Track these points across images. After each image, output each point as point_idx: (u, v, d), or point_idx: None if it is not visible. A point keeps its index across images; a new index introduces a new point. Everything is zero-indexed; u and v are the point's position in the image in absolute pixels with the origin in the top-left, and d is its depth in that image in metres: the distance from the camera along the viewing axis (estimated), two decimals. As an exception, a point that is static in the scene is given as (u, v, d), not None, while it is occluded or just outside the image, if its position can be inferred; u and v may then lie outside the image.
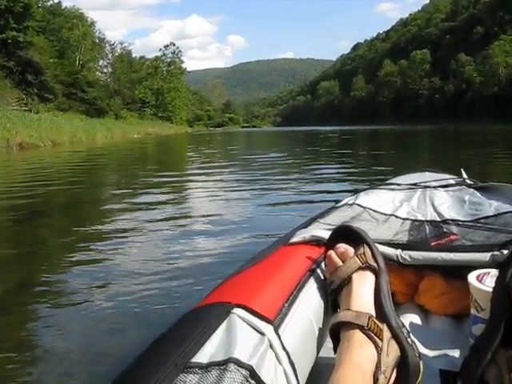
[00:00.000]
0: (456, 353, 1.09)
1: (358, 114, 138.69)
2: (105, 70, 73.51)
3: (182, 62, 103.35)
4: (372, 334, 0.85)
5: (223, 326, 0.78)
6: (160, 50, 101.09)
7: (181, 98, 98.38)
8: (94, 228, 5.01)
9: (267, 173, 9.79)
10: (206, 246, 3.99)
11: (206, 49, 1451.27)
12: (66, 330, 2.46)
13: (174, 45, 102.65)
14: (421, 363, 0.90)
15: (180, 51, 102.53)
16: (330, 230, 1.22)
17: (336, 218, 1.55)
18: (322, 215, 1.61)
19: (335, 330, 0.91)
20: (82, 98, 52.82)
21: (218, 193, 7.18)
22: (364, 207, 1.73)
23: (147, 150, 24.43)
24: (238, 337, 0.75)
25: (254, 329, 0.80)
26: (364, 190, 2.11)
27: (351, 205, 1.78)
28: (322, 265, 1.12)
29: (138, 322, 2.49)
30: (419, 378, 0.89)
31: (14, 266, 3.82)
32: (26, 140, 22.95)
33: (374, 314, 0.91)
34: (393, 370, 0.86)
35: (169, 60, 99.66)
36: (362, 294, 0.95)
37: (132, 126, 59.51)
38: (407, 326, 0.95)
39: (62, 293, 3.04)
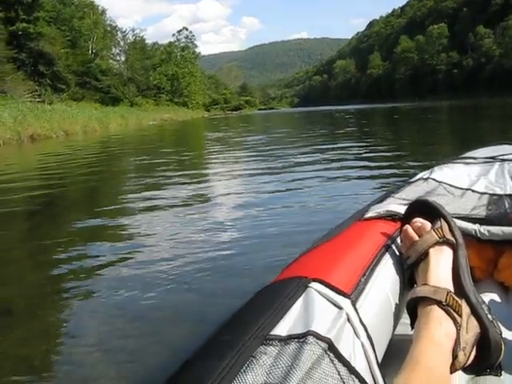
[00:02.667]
0: None
1: (375, 91, 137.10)
2: (118, 58, 73.46)
3: (196, 46, 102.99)
4: (451, 310, 0.85)
5: (301, 300, 0.79)
6: (173, 35, 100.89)
7: (196, 83, 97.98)
8: (118, 210, 5.12)
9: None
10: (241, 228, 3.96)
11: (221, 32, 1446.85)
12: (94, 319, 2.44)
13: (186, 29, 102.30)
14: (502, 341, 0.88)
15: (193, 36, 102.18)
16: (404, 204, 1.22)
17: (411, 193, 1.52)
18: (397, 190, 1.58)
19: (412, 306, 0.91)
20: (96, 87, 52.96)
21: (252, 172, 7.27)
22: (439, 182, 1.70)
23: (161, 137, 24.31)
24: (315, 310, 0.76)
25: (332, 303, 0.81)
26: (438, 164, 2.03)
27: (426, 179, 1.74)
28: (398, 240, 1.12)
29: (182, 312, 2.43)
30: (501, 357, 0.88)
31: (37, 251, 3.89)
32: (38, 132, 22.93)
33: (452, 290, 0.90)
34: (472, 347, 0.85)
35: (182, 45, 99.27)
36: (440, 269, 0.95)
37: (147, 112, 59.37)
38: (486, 303, 0.95)
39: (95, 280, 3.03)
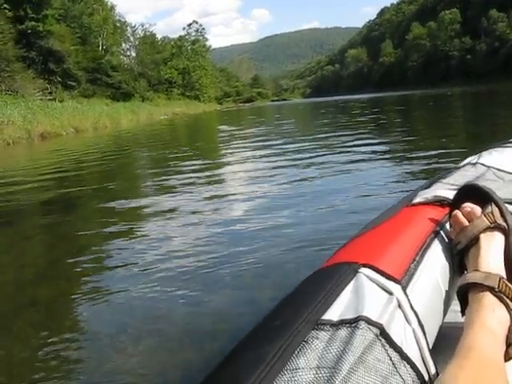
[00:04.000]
0: None
1: (387, 80, 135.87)
2: (128, 54, 73.55)
3: (206, 39, 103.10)
4: (504, 297, 0.82)
5: (351, 285, 0.79)
6: (183, 28, 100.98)
7: (207, 76, 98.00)
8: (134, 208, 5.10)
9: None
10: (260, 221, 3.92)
11: (231, 25, 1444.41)
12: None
13: (196, 23, 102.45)
14: None
15: (203, 29, 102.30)
16: (453, 190, 1.20)
17: (459, 178, 1.47)
18: (444, 175, 1.53)
19: (463, 292, 0.89)
20: (108, 83, 53.05)
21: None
22: (488, 166, 1.62)
23: (171, 131, 24.36)
24: (366, 296, 0.76)
25: (382, 288, 0.81)
26: (486, 148, 1.93)
27: (474, 164, 1.67)
28: (447, 225, 1.10)
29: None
30: None
31: (58, 245, 3.98)
32: (48, 129, 23.05)
33: (505, 276, 0.87)
34: None
35: (193, 38, 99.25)
36: (491, 255, 0.92)
37: (158, 107, 59.54)
38: None
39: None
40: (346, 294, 0.77)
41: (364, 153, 7.24)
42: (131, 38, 74.94)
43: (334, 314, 0.71)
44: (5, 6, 35.00)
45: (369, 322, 0.70)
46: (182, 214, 4.47)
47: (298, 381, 0.59)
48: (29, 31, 37.09)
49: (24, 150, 17.35)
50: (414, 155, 6.54)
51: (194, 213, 4.48)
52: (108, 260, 3.41)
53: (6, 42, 30.93)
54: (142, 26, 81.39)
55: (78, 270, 3.23)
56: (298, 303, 0.75)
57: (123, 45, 71.43)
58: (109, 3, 66.13)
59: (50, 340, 2.20)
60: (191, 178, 6.64)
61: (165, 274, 2.90)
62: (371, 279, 0.82)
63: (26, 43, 36.43)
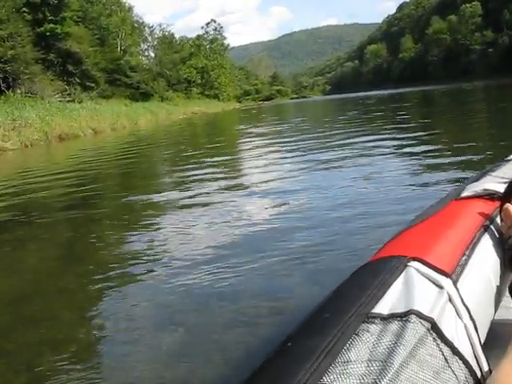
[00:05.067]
0: None
1: (408, 75, 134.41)
2: (146, 54, 73.89)
3: (225, 38, 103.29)
4: None
5: (400, 279, 0.79)
6: (202, 27, 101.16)
7: (226, 75, 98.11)
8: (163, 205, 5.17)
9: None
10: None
11: (250, 23, 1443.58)
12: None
13: (215, 21, 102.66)
14: None
15: (222, 27, 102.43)
16: (503, 183, 1.19)
17: (508, 172, 1.41)
18: (494, 168, 1.48)
19: None
20: (126, 83, 53.37)
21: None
22: None
23: (188, 130, 24.36)
24: (416, 289, 0.75)
25: (432, 282, 0.80)
26: None
27: None
28: (497, 219, 1.09)
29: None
30: None
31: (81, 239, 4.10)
32: (66, 131, 23.16)
33: None
34: None
35: (211, 37, 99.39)
36: None
37: (177, 106, 59.67)
38: None
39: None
40: (396, 287, 0.76)
41: (390, 147, 7.22)
42: (149, 39, 75.43)
43: (384, 307, 0.71)
44: (24, 9, 35.34)
45: (420, 315, 0.69)
46: (209, 209, 4.56)
47: (350, 373, 0.58)
48: (47, 33, 37.42)
49: (42, 151, 17.46)
50: (449, 147, 6.58)
51: (220, 206, 4.56)
52: (134, 248, 3.54)
53: (25, 45, 31.21)
54: (160, 26, 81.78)
55: (101, 261, 3.37)
56: (347, 296, 0.75)
57: (141, 45, 71.87)
58: (127, 4, 66.69)
59: (83, 322, 2.36)
60: (210, 173, 6.79)
61: (194, 263, 2.96)
62: (421, 273, 0.81)
63: (45, 45, 36.76)
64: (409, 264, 0.82)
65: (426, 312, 0.70)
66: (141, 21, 73.21)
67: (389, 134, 9.74)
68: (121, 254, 3.54)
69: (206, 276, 2.70)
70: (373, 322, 0.67)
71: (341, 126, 13.19)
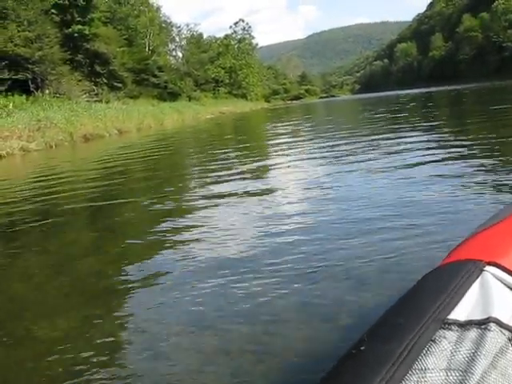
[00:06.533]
0: None
1: (438, 74, 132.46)
2: (174, 54, 74.13)
3: (253, 37, 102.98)
4: None
5: (477, 284, 0.75)
6: (230, 27, 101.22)
7: (254, 74, 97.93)
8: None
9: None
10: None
11: (278, 22, 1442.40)
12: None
13: (243, 21, 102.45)
14: None
15: (250, 27, 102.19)
16: None
17: None
18: None
19: None
20: (154, 83, 53.54)
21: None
22: None
23: (215, 131, 24.22)
24: (494, 296, 0.72)
25: (510, 288, 0.76)
26: None
27: None
28: None
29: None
30: None
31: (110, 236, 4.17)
32: (91, 131, 23.21)
33: None
34: None
35: (239, 37, 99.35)
36: None
37: (205, 106, 59.66)
38: None
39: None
40: (472, 293, 0.73)
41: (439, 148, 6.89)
42: (177, 38, 75.60)
43: (460, 313, 0.69)
44: (52, 11, 35.68)
45: (500, 324, 0.66)
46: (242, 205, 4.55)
47: (428, 382, 0.56)
48: (75, 35, 37.74)
49: (66, 152, 17.50)
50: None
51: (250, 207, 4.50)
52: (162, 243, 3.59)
53: (53, 46, 31.46)
54: (187, 26, 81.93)
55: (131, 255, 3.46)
56: (421, 300, 0.72)
57: (169, 45, 72.07)
58: (155, 4, 66.91)
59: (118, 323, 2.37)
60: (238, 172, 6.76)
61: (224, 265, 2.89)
62: (498, 278, 0.77)
63: (73, 46, 37.10)
64: (485, 269, 0.78)
65: (505, 320, 0.67)
66: (168, 21, 73.55)
67: (434, 134, 9.37)
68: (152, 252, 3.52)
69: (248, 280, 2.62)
70: (450, 329, 0.64)
71: (377, 127, 12.70)
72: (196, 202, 5.05)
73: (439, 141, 8.11)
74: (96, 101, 33.78)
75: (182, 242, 3.57)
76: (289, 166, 6.89)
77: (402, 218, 3.43)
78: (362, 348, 0.63)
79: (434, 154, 6.27)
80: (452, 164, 5.47)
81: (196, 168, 8.53)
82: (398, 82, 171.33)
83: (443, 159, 5.86)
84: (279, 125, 19.82)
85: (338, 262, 2.72)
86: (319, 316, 2.11)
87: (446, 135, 8.99)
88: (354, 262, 2.68)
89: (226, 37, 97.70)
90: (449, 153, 6.30)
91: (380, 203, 3.98)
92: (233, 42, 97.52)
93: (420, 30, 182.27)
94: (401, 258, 2.64)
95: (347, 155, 7.19)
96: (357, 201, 4.19)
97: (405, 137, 8.76)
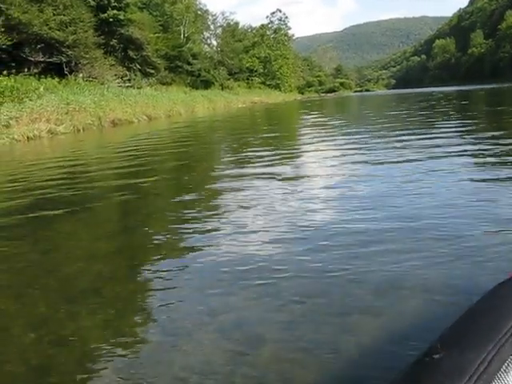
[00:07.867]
0: None
1: (476, 72, 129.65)
2: (208, 42, 73.95)
3: (289, 28, 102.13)
4: None
5: None
6: (267, 17, 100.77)
7: (288, 65, 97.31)
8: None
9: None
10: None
11: (315, 13, 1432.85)
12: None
13: (280, 11, 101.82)
14: None
15: (286, 17, 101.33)
16: None
17: None
18: None
19: None
20: (188, 71, 53.54)
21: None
22: None
23: (244, 120, 24.03)
24: None
25: None
26: None
27: None
28: None
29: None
30: None
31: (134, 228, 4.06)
32: (119, 116, 23.21)
33: None
34: None
35: (275, 27, 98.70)
36: None
37: (237, 95, 59.47)
38: None
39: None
40: None
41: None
42: (212, 27, 75.35)
43: None
44: (88, -5, 35.79)
45: None
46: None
47: None
48: (110, 19, 37.79)
49: (93, 136, 17.52)
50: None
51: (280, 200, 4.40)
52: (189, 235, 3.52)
53: (87, 30, 31.55)
54: (223, 15, 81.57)
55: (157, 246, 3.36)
56: (497, 310, 0.67)
57: (204, 33, 71.85)
58: (191, -9, 66.60)
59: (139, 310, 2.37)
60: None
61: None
62: None
63: (108, 31, 37.17)
64: None
65: None
66: (204, 8, 73.32)
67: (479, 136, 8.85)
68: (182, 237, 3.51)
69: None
70: None
71: (417, 126, 12.11)
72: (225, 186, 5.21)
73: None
74: (128, 86, 33.82)
75: (209, 232, 3.55)
76: (328, 164, 6.46)
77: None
78: (435, 357, 0.59)
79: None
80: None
81: (223, 155, 8.69)
82: (435, 78, 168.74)
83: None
84: (316, 117, 19.55)
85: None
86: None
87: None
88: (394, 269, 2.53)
89: (262, 26, 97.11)
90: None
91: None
92: (268, 32, 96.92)
93: (460, 26, 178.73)
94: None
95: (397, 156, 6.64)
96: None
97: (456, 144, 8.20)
